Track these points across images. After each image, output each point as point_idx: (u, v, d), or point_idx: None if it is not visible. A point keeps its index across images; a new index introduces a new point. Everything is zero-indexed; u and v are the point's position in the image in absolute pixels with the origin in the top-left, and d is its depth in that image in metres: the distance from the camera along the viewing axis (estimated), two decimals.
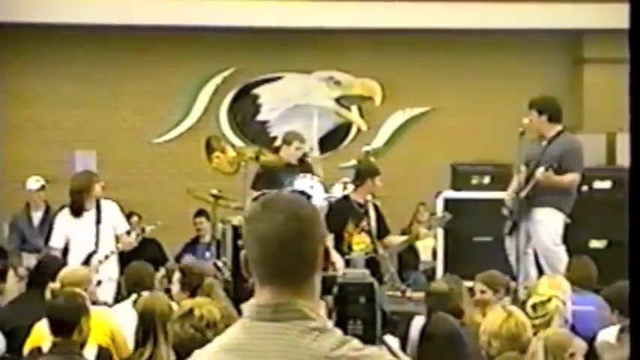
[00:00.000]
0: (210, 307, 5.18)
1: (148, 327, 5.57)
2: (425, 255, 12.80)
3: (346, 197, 9.81)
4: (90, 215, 9.00)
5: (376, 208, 9.84)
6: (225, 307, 6.50)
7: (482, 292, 6.96)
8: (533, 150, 9.33)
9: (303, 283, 2.38)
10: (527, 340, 5.03)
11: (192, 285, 6.67)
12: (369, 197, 9.73)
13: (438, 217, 10.34)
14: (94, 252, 8.88)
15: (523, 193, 9.13)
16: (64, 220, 9.09)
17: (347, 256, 9.36)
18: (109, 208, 9.11)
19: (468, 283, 7.27)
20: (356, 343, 2.35)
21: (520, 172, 9.30)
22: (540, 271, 9.04)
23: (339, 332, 2.37)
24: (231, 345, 2.37)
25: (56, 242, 9.05)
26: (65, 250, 8.95)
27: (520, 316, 5.15)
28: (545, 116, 9.28)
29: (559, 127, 9.35)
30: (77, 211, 9.00)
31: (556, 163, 9.05)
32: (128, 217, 11.57)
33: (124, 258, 9.05)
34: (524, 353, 4.99)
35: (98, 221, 8.99)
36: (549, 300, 6.18)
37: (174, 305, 5.90)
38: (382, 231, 9.81)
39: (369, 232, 9.60)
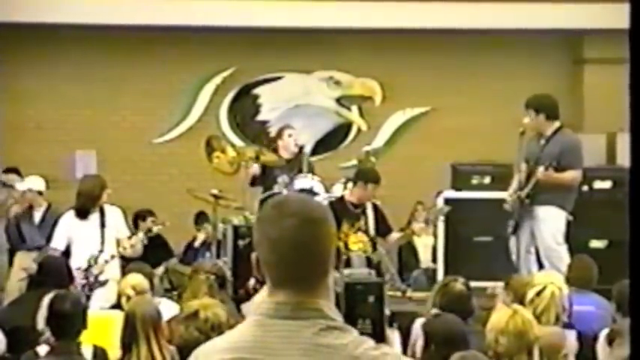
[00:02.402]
0: (217, 309, 5.16)
1: (131, 330, 5.56)
2: (424, 255, 12.79)
3: (341, 198, 9.83)
4: (94, 218, 9.04)
5: (375, 207, 9.84)
6: (223, 300, 6.52)
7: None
8: (533, 147, 9.34)
9: (318, 285, 2.39)
10: (534, 337, 5.05)
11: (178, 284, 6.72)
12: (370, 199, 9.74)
13: (436, 209, 10.29)
14: (101, 252, 8.91)
15: (524, 192, 9.13)
16: (67, 221, 9.12)
17: (344, 256, 9.37)
18: (113, 213, 9.14)
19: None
20: (372, 342, 2.37)
21: (520, 171, 9.31)
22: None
23: (355, 331, 2.39)
24: (247, 342, 2.36)
25: (58, 243, 9.06)
26: (66, 252, 8.97)
27: (526, 313, 5.19)
28: (542, 115, 9.28)
29: (557, 124, 9.35)
30: (83, 213, 9.02)
31: (555, 161, 9.05)
32: (141, 218, 11.58)
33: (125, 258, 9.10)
34: (531, 350, 5.01)
35: (102, 224, 9.02)
36: (545, 288, 6.24)
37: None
38: (383, 229, 9.81)
39: (365, 232, 9.60)
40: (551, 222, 9.16)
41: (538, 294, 6.25)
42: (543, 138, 9.29)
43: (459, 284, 6.69)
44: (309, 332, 2.33)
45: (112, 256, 8.92)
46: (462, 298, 6.59)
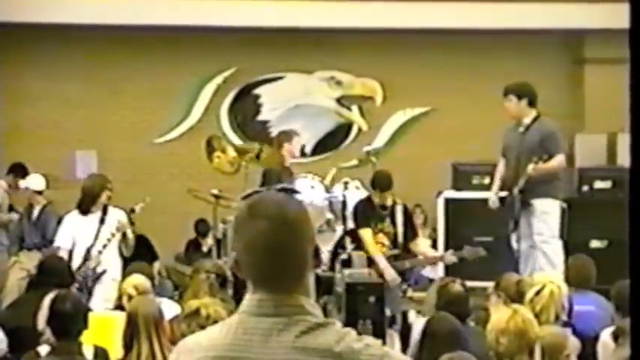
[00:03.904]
0: (217, 307, 5.19)
1: (133, 329, 5.57)
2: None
3: (368, 197, 9.81)
4: (95, 216, 9.11)
5: (405, 211, 9.81)
6: (223, 299, 6.53)
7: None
8: (511, 137, 9.36)
9: (295, 285, 2.40)
10: (535, 336, 5.07)
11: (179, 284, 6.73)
12: (389, 202, 9.70)
13: (470, 250, 9.93)
14: (92, 245, 8.96)
15: (517, 189, 9.12)
16: (71, 219, 9.21)
17: (344, 256, 9.36)
18: (116, 215, 9.16)
19: (468, 283, 7.28)
20: (354, 334, 2.36)
21: (499, 166, 9.33)
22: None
23: (338, 324, 2.38)
24: (227, 340, 2.36)
25: (63, 242, 9.10)
26: (72, 251, 9.03)
27: (526, 313, 5.21)
28: (525, 100, 9.33)
29: (535, 113, 9.38)
30: (85, 210, 9.12)
31: (539, 152, 9.06)
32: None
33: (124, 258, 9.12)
34: (532, 350, 5.03)
35: (102, 222, 9.07)
36: (544, 287, 6.26)
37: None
38: (409, 234, 9.75)
39: (387, 234, 9.57)
40: (547, 215, 9.15)
41: (537, 293, 6.27)
42: (522, 126, 9.31)
43: (457, 285, 6.72)
44: (290, 330, 2.33)
45: (104, 246, 8.96)
46: (460, 299, 6.61)
